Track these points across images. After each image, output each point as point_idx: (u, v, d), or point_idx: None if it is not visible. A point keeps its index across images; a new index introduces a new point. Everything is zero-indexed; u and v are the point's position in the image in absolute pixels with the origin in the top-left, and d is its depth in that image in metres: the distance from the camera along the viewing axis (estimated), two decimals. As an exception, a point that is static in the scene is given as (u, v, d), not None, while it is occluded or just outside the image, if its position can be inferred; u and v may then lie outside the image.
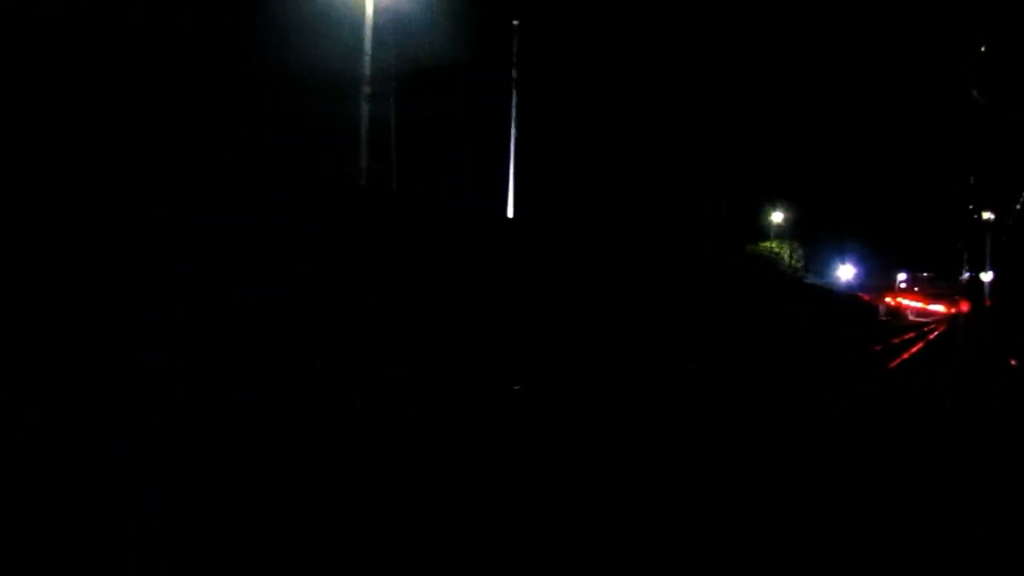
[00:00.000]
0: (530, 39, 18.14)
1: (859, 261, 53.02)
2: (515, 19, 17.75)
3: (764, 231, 38.61)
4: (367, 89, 11.49)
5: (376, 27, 11.62)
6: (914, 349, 19.31)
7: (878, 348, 18.91)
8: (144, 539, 3.37)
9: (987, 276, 48.07)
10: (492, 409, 7.16)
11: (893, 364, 14.48)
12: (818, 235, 44.00)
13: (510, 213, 17.76)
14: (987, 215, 46.41)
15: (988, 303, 43.89)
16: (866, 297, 41.35)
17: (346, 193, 9.11)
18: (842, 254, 50.12)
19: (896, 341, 22.86)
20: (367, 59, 11.35)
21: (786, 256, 37.38)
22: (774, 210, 39.14)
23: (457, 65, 15.35)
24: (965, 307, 42.80)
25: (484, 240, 12.87)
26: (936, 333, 32.07)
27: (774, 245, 37.16)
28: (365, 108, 11.59)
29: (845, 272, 51.06)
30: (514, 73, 17.70)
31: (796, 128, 42.64)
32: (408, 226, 10.27)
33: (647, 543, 3.68)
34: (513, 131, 17.66)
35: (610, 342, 13.19)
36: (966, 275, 50.26)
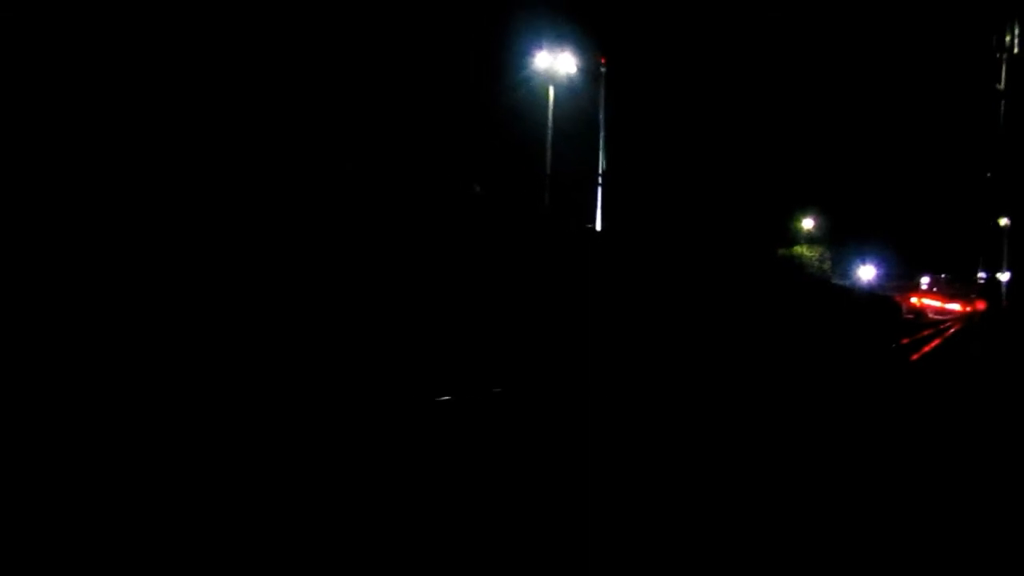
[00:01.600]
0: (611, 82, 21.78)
1: (883, 263, 56.54)
2: (603, 66, 21.35)
3: (795, 236, 42.12)
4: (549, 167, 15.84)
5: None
6: (935, 343, 22.69)
7: (905, 341, 22.33)
8: (144, 539, 3.36)
9: (1004, 276, 50.92)
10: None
11: (923, 351, 17.87)
12: (845, 239, 47.43)
13: (598, 227, 21.37)
14: (1004, 221, 49.30)
15: (1005, 303, 46.67)
16: (897, 297, 44.60)
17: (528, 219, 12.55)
18: (867, 256, 53.65)
19: (919, 336, 26.22)
20: (550, 129, 15.54)
21: (815, 259, 40.85)
22: (804, 217, 42.70)
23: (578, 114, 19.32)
24: (981, 306, 45.65)
25: (583, 248, 16.16)
26: (953, 330, 35.22)
27: (804, 250, 40.66)
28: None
29: (871, 273, 54.54)
30: (602, 111, 21.31)
31: (823, 135, 45.84)
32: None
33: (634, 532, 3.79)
34: (601, 156, 21.29)
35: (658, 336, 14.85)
36: (982, 275, 53.23)
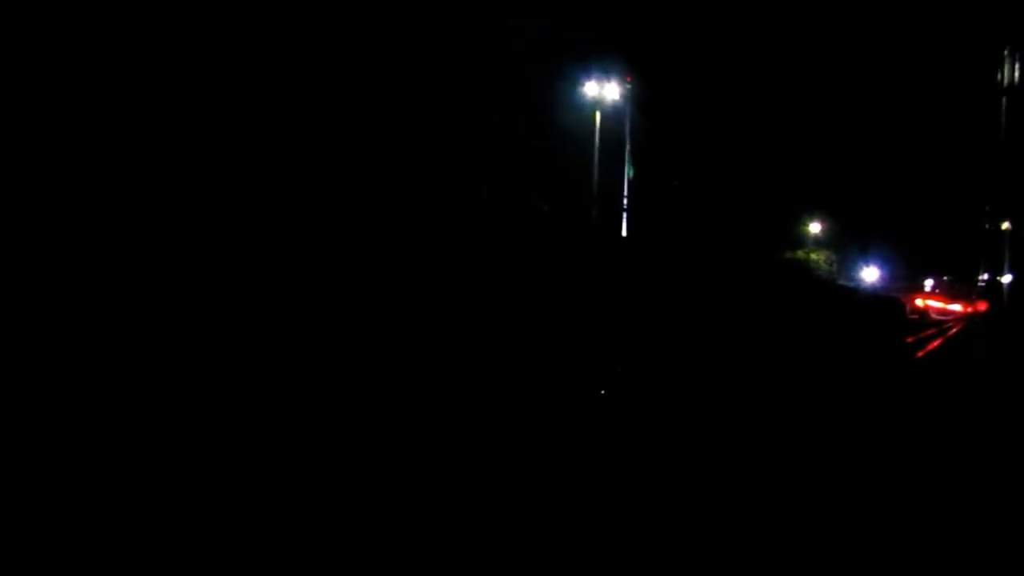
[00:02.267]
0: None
1: (888, 265, 58.10)
2: (627, 83, 22.86)
3: (802, 240, 43.77)
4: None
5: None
6: (938, 342, 24.03)
7: (910, 339, 23.68)
8: (145, 538, 3.33)
9: (1006, 278, 52.30)
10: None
11: (927, 349, 19.22)
12: (850, 241, 48.98)
13: (624, 232, 22.88)
14: (1005, 225, 50.62)
15: (1006, 303, 47.97)
16: (902, 298, 46.03)
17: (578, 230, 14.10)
18: (872, 259, 55.25)
19: (923, 335, 27.56)
20: (596, 151, 17.30)
21: (823, 262, 42.40)
22: (811, 221, 44.34)
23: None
24: (982, 307, 46.92)
25: (610, 250, 17.66)
26: (955, 330, 36.52)
27: (812, 253, 42.25)
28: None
29: (876, 275, 56.14)
30: (627, 124, 22.83)
31: (829, 141, 47.24)
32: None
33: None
34: (627, 167, 22.85)
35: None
36: (984, 278, 54.63)
